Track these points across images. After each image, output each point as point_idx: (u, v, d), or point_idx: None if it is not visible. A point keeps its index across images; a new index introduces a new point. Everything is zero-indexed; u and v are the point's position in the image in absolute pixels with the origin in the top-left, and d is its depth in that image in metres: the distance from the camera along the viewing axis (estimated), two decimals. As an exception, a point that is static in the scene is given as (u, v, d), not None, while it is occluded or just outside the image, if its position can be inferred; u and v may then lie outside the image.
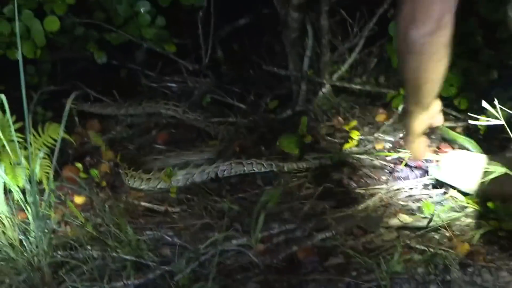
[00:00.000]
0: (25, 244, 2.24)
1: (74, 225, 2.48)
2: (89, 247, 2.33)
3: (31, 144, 2.44)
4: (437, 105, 2.08)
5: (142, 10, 3.51)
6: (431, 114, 2.07)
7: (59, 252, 2.33)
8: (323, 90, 3.42)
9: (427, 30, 1.76)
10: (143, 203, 2.73)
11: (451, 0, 1.76)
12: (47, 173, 2.47)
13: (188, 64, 3.87)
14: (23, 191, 2.28)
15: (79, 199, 2.73)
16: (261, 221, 2.39)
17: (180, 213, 2.66)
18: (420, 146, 2.17)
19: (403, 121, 2.21)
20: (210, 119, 3.42)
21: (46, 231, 2.24)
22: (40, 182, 2.48)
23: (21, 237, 2.24)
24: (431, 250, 2.30)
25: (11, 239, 2.26)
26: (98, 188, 2.84)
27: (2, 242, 2.23)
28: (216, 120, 3.40)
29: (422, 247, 2.32)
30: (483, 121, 2.05)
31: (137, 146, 3.31)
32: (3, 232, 2.26)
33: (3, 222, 2.27)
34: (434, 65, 1.86)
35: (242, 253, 2.35)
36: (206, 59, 3.88)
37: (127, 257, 2.28)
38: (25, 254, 2.22)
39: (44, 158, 2.49)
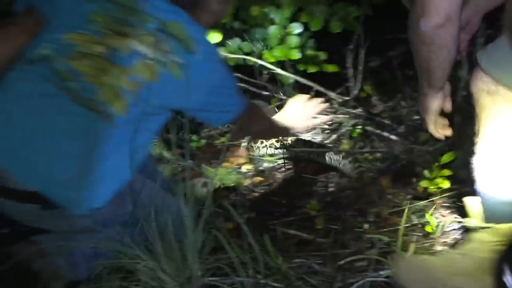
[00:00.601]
0: (178, 268, 2.30)
1: (224, 250, 2.52)
2: (239, 273, 2.36)
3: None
4: (448, 87, 2.28)
5: (295, 32, 3.57)
6: (443, 94, 2.27)
7: (209, 278, 2.37)
8: (478, 122, 3.31)
9: (435, 23, 1.94)
10: (291, 231, 2.75)
11: None
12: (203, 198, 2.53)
13: (337, 96, 3.86)
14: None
15: (230, 225, 2.78)
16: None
17: (328, 243, 2.66)
18: (438, 125, 2.40)
19: (418, 103, 2.39)
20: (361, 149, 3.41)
21: (199, 255, 2.29)
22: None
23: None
24: None
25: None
26: (248, 215, 2.88)
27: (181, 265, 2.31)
28: (366, 151, 3.39)
29: None
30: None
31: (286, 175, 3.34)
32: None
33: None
34: (443, 54, 2.05)
35: (389, 284, 2.31)
36: (355, 91, 3.86)
37: (276, 284, 2.30)
38: (179, 278, 2.28)
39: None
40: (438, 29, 1.97)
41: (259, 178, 3.27)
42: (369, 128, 3.61)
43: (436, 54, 2.06)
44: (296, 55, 3.60)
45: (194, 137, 3.66)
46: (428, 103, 2.33)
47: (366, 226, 2.74)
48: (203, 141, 3.68)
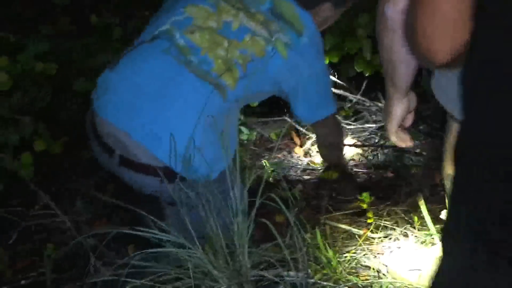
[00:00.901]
0: (228, 259, 2.31)
1: (273, 242, 2.52)
2: (288, 266, 2.36)
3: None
4: (414, 99, 2.09)
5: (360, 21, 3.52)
6: (409, 101, 2.07)
7: (258, 270, 2.37)
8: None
9: (401, 7, 1.80)
10: (342, 226, 2.75)
11: None
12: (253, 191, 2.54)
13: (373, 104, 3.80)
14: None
15: (279, 218, 2.78)
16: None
17: (379, 238, 2.64)
18: (403, 133, 2.19)
19: (384, 109, 2.21)
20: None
21: (249, 247, 2.30)
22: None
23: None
24: None
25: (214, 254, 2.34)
26: (298, 208, 2.87)
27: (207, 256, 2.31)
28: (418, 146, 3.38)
29: None
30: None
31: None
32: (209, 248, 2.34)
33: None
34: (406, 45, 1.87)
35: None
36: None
37: (325, 283, 2.29)
38: (228, 270, 2.29)
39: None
40: (404, 15, 1.78)
41: (310, 171, 3.26)
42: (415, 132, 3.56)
43: (399, 43, 1.91)
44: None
45: (244, 129, 3.66)
46: (392, 107, 2.12)
47: (417, 221, 2.71)
48: (254, 133, 3.67)
